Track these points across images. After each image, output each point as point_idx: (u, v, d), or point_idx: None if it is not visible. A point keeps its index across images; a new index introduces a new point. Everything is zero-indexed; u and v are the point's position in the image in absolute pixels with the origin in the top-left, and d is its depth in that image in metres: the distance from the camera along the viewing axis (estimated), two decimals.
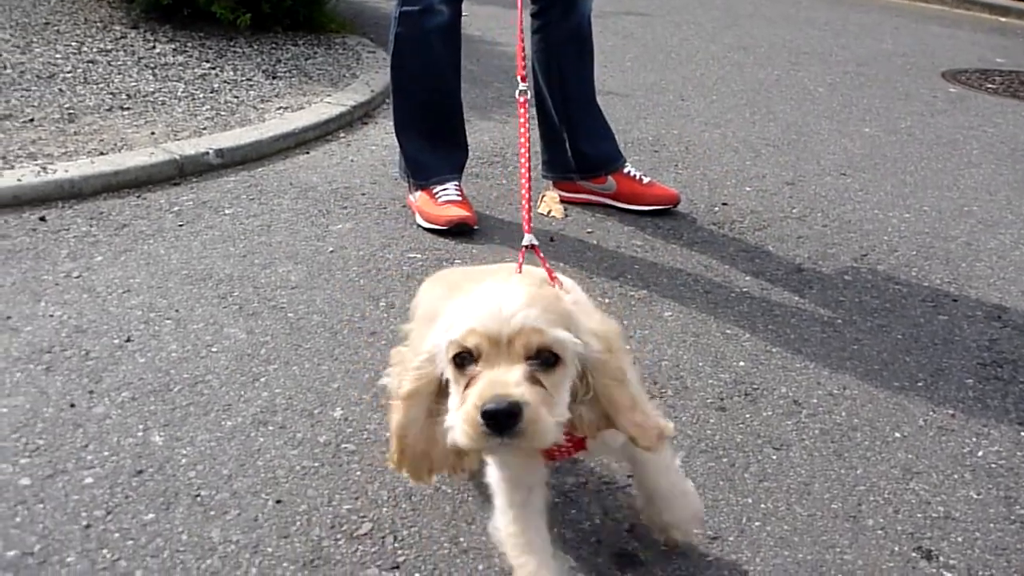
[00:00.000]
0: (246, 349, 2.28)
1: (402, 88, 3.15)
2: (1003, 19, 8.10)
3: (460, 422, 1.23)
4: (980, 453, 2.05)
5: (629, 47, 6.06)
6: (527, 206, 1.86)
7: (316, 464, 1.88)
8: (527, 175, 1.92)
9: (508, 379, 1.21)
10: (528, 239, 1.77)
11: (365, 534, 1.70)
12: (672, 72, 5.42)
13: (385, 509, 1.76)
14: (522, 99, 2.02)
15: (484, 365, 1.24)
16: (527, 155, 1.95)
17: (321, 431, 1.98)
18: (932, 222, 3.35)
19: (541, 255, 1.70)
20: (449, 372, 1.30)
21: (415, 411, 1.35)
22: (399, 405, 1.36)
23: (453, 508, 1.78)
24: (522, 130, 1.96)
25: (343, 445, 1.94)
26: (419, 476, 1.40)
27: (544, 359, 1.25)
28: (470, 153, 3.45)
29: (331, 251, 2.86)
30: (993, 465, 2.01)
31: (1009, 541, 1.78)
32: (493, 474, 1.49)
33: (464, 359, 1.26)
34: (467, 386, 1.25)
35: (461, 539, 1.70)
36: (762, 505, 1.83)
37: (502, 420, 1.18)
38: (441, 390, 1.34)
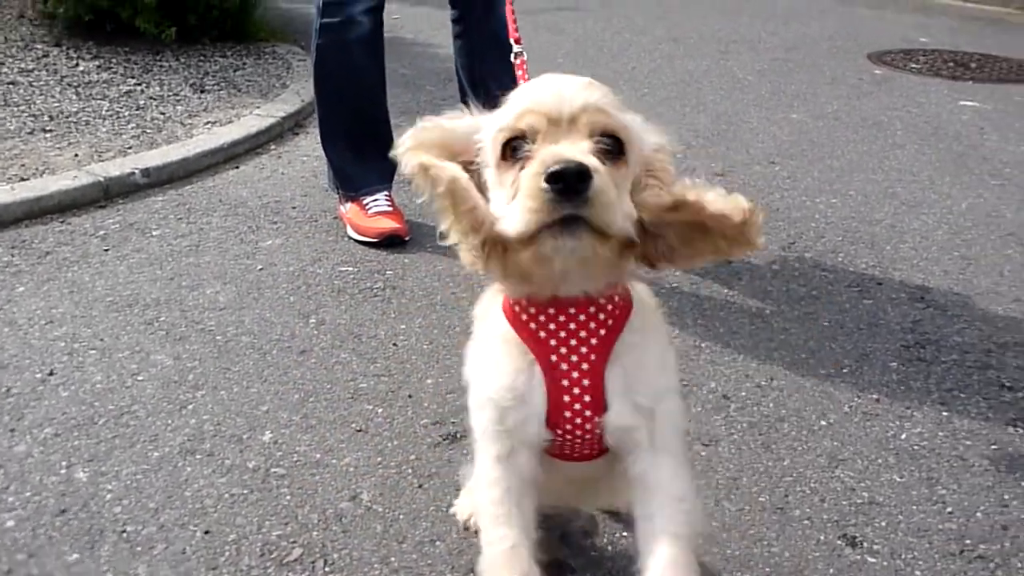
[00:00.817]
0: (173, 376, 2.25)
1: (326, 100, 3.12)
2: None
3: (519, 198, 1.07)
4: (903, 436, 2.10)
5: (561, 43, 6.08)
6: None
7: (245, 491, 1.86)
8: None
9: (571, 148, 1.07)
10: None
11: (295, 559, 1.69)
12: (604, 67, 5.44)
13: (315, 533, 1.75)
14: (518, 61, 1.97)
15: (543, 144, 1.10)
16: None
17: (250, 456, 1.97)
18: (858, 206, 3.41)
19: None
20: (492, 169, 1.15)
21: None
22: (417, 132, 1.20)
23: (384, 527, 1.77)
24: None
25: (272, 469, 1.93)
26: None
27: (609, 146, 1.12)
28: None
29: (260, 269, 2.83)
30: (916, 447, 2.06)
31: (931, 522, 1.83)
32: (477, 421, 1.29)
33: (515, 147, 1.11)
34: (520, 168, 1.10)
35: (392, 559, 1.69)
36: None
37: (571, 180, 1.03)
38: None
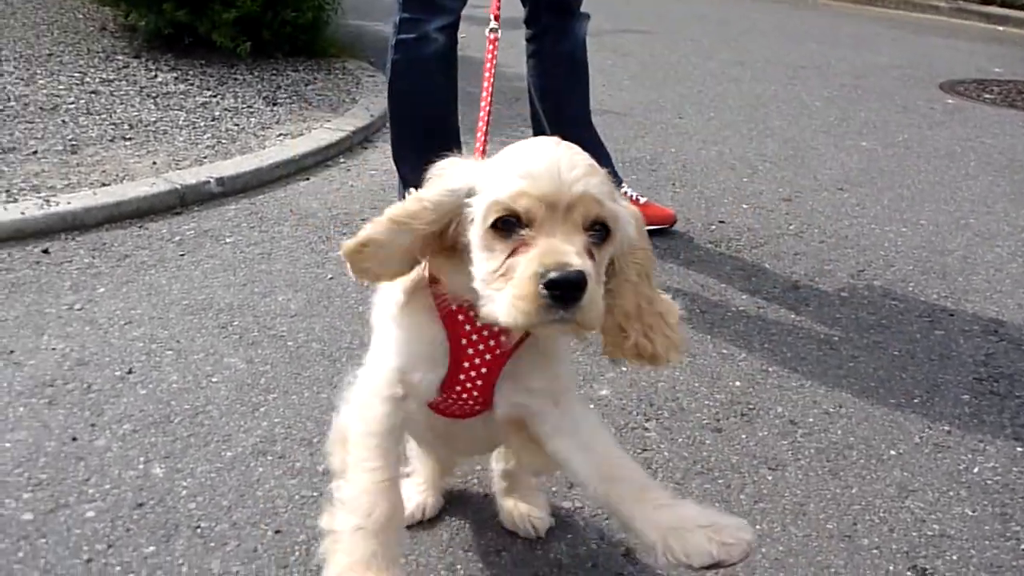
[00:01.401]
0: (246, 379, 2.30)
1: (399, 115, 3.18)
2: (1001, 28, 8.12)
3: (513, 294, 1.11)
4: (975, 470, 2.06)
5: (627, 65, 6.10)
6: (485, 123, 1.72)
7: (315, 493, 1.89)
8: (488, 102, 1.76)
9: (568, 249, 1.10)
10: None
11: None
12: (670, 90, 5.45)
13: None
14: (492, 36, 2.00)
15: (538, 232, 1.13)
16: (490, 84, 1.81)
17: (320, 460, 2.00)
18: (929, 236, 3.36)
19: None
20: (478, 236, 1.18)
21: (399, 240, 1.25)
22: (382, 222, 1.25)
23: (450, 535, 1.79)
24: (488, 63, 1.89)
25: None
26: (362, 272, 1.29)
27: (598, 234, 1.16)
28: None
29: (330, 278, 2.89)
30: (988, 481, 2.02)
31: (1004, 559, 1.79)
32: (376, 365, 1.39)
33: (509, 224, 1.14)
34: (511, 255, 1.14)
35: (458, 567, 1.71)
36: (758, 527, 1.84)
37: (568, 292, 1.08)
38: (439, 243, 1.24)
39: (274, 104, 4.70)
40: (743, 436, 2.14)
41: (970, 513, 1.91)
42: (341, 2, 5.95)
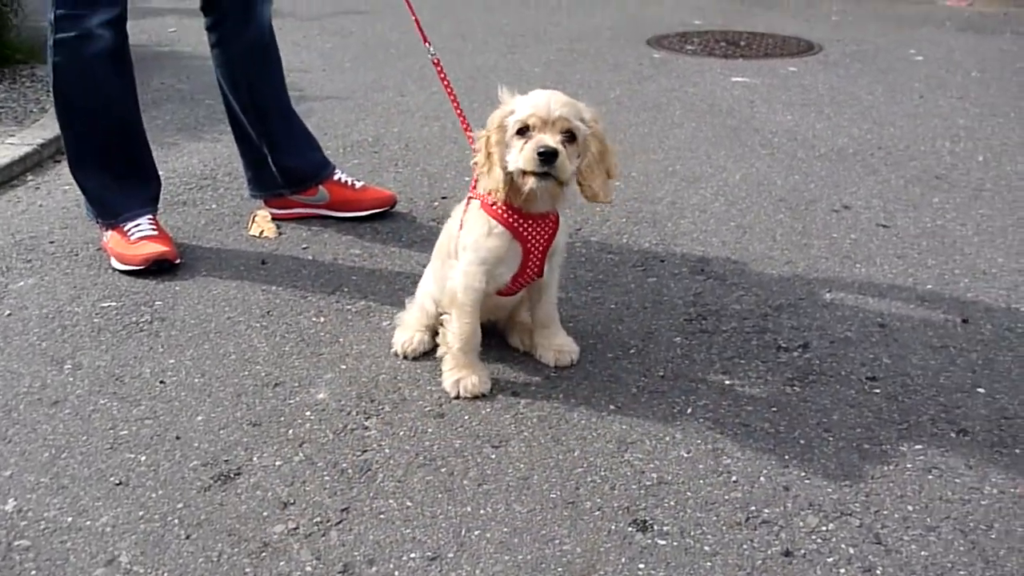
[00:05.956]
0: None
1: (70, 124, 2.85)
2: None
3: (522, 156, 1.97)
4: (689, 411, 2.11)
5: (349, 47, 5.92)
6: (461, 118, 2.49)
7: None
8: (465, 121, 2.53)
9: (551, 138, 1.97)
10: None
11: None
12: (392, 68, 5.34)
13: None
14: (434, 59, 2.70)
15: (536, 132, 1.98)
16: (453, 94, 2.59)
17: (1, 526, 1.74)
18: (640, 187, 3.48)
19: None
20: (512, 136, 2.01)
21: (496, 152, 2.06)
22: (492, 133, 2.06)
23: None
24: (442, 80, 2.64)
25: (16, 542, 1.70)
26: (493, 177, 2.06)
27: (568, 136, 2.00)
28: (178, 179, 3.18)
29: (8, 314, 2.55)
30: (701, 419, 2.08)
31: (717, 494, 1.84)
32: (473, 254, 2.13)
33: (523, 130, 2.00)
34: (525, 143, 1.98)
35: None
36: (481, 511, 1.78)
37: (549, 154, 1.94)
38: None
39: None
40: (466, 417, 2.08)
41: (685, 455, 1.96)
42: (22, 2, 5.36)
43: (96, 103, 2.79)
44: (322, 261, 2.90)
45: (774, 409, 2.12)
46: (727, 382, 2.23)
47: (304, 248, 3.00)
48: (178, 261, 2.82)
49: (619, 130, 4.15)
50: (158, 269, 2.77)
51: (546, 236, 2.15)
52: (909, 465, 1.93)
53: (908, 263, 2.86)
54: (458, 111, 2.53)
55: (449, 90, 2.59)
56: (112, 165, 2.87)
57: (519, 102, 2.03)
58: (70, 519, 1.76)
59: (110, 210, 2.88)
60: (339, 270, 2.84)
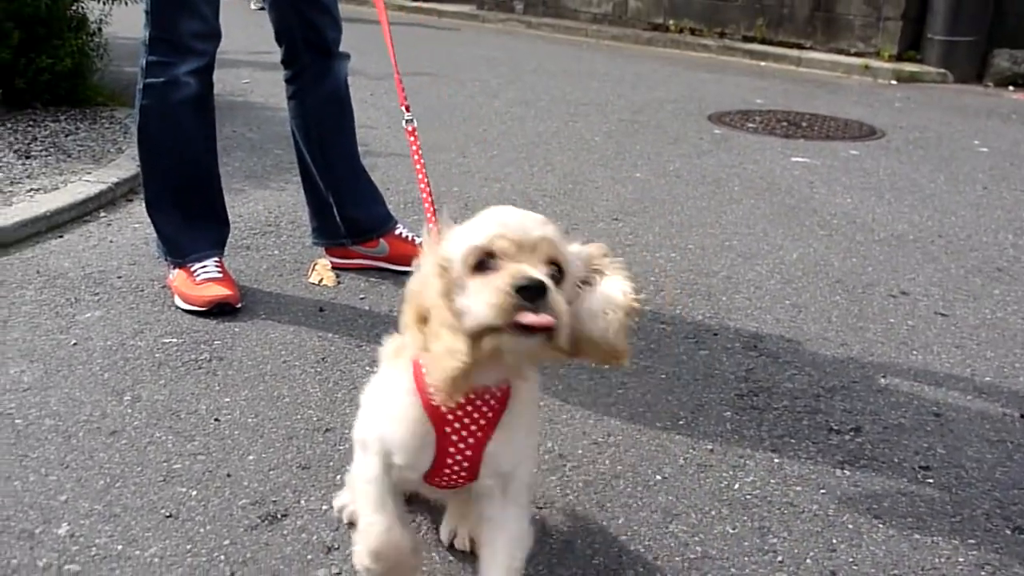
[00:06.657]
0: None
1: (151, 164, 2.98)
2: (762, 63, 8.77)
3: (486, 298, 1.28)
4: (736, 486, 2.10)
5: (414, 107, 6.04)
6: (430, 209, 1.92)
7: None
8: (429, 199, 1.97)
9: (532, 269, 1.30)
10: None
11: None
12: (455, 130, 5.47)
13: None
14: (409, 128, 2.24)
15: (509, 262, 1.32)
16: (422, 168, 2.07)
17: (42, 553, 1.77)
18: (696, 259, 3.49)
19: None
20: (464, 276, 1.34)
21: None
22: (427, 278, 1.38)
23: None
24: (414, 150, 2.12)
25: (66, 567, 1.74)
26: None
27: (555, 272, 1.35)
28: (243, 224, 3.27)
29: (74, 344, 2.63)
30: (748, 496, 2.06)
31: (762, 573, 1.81)
32: (365, 438, 1.55)
33: (484, 263, 1.33)
34: (490, 278, 1.31)
35: None
36: (524, 573, 1.78)
37: (534, 291, 1.27)
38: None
39: (27, 157, 4.33)
40: None
41: (731, 531, 1.94)
42: (108, 48, 5.62)
43: (177, 146, 2.92)
44: (378, 312, 2.95)
45: (823, 491, 2.09)
46: (776, 460, 2.21)
47: (361, 298, 3.06)
48: (239, 305, 2.90)
49: (677, 203, 4.19)
50: (219, 311, 2.84)
51: (483, 421, 1.46)
52: (961, 559, 1.88)
53: (966, 353, 2.82)
54: (424, 188, 2.04)
55: (419, 162, 2.10)
56: (186, 206, 2.98)
57: (475, 224, 1.38)
58: (120, 547, 1.80)
59: (179, 249, 2.98)
60: (394, 322, 2.87)
